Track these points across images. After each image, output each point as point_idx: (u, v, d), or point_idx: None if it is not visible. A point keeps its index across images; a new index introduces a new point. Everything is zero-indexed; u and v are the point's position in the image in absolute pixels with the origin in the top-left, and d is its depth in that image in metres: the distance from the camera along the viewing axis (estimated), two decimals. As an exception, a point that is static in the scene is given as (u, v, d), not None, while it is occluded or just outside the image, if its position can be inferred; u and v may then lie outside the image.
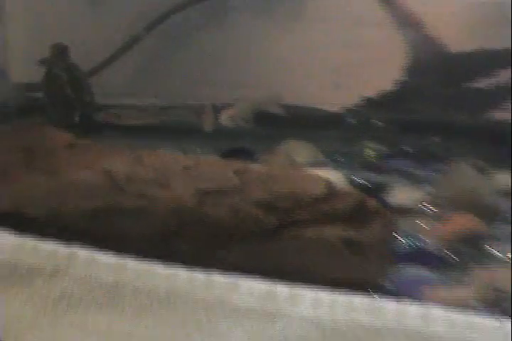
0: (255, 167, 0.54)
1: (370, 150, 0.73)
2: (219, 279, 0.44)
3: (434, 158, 0.70)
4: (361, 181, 0.66)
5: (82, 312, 0.44)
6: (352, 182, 0.65)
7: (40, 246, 0.46)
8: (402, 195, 0.64)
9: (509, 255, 0.54)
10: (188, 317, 0.44)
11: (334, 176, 0.63)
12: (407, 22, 0.76)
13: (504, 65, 0.71)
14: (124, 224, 0.49)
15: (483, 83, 0.74)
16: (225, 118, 0.75)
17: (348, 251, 0.48)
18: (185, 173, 0.50)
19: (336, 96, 0.77)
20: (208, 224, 0.48)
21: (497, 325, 0.42)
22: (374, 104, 0.77)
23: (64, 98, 0.77)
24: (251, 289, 0.44)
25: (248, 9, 0.77)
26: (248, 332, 0.43)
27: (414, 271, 0.53)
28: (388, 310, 0.43)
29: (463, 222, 0.57)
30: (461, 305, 0.45)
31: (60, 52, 0.76)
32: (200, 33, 0.80)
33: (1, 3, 0.84)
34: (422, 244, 0.56)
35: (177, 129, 0.77)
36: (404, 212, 0.60)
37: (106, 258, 0.45)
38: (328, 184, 0.50)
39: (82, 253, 0.45)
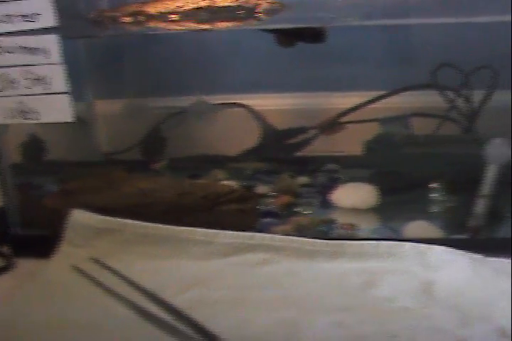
0: (200, 181, 0.83)
1: (249, 171, 0.90)
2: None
3: (274, 173, 0.88)
4: (244, 184, 0.84)
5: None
6: (240, 186, 0.83)
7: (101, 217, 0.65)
8: (260, 189, 0.84)
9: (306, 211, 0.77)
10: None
11: (233, 183, 0.82)
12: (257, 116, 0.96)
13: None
14: (145, 208, 0.69)
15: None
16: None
17: (240, 213, 0.71)
18: (169, 187, 0.73)
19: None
20: (182, 207, 0.69)
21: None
22: (249, 152, 0.94)
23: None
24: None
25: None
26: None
27: (267, 220, 0.74)
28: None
29: (285, 198, 0.80)
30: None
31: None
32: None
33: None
34: (269, 208, 0.78)
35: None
36: (262, 196, 0.80)
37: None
38: (230, 186, 0.75)
39: (131, 221, 0.65)
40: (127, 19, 0.75)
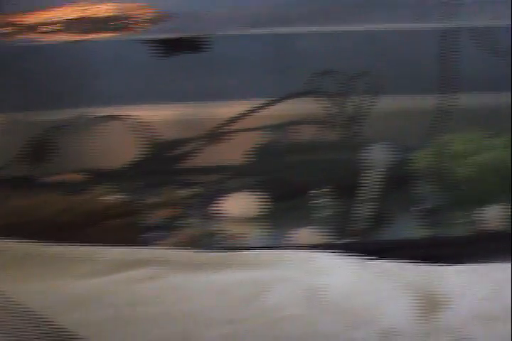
0: (81, 197, 0.76)
1: (133, 184, 0.88)
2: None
3: (159, 186, 0.87)
4: (128, 198, 0.80)
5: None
6: (124, 200, 0.80)
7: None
8: (145, 202, 0.82)
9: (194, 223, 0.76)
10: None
11: (117, 198, 0.79)
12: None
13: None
14: (23, 227, 0.68)
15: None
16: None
17: (123, 228, 0.71)
18: (47, 204, 0.72)
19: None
20: (63, 225, 0.69)
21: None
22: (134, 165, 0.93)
23: None
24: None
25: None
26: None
27: (153, 234, 0.74)
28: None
29: (171, 211, 0.79)
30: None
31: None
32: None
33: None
34: (155, 221, 0.77)
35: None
36: (146, 209, 0.79)
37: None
38: (113, 201, 0.74)
39: (11, 241, 0.63)
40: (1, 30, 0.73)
